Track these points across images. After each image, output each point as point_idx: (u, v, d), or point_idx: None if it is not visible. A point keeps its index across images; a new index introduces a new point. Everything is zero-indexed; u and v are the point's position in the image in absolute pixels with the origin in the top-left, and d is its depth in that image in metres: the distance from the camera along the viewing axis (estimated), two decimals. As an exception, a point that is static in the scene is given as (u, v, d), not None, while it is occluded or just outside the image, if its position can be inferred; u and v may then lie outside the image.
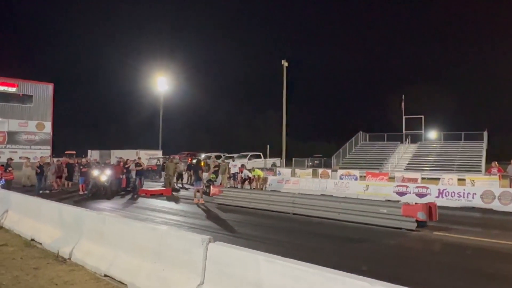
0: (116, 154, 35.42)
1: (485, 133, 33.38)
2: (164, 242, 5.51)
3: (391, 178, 21.69)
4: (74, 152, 41.42)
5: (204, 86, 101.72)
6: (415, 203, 11.33)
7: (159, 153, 40.95)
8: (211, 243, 4.81)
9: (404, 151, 35.22)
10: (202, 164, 20.04)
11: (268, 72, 71.65)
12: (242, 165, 22.43)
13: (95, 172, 18.76)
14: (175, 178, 23.77)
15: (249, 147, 42.83)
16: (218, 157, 30.34)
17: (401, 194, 17.22)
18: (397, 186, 18.05)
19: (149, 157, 36.76)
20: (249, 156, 34.29)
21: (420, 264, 7.39)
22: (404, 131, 37.42)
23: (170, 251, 5.35)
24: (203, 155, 35.86)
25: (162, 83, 45.60)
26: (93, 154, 40.50)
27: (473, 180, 18.52)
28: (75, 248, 7.11)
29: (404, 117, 37.43)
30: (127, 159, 22.47)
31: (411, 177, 20.99)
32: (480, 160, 30.02)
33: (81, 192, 19.43)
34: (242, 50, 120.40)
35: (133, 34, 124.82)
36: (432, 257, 8.03)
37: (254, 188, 20.07)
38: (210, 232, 9.84)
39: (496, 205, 14.70)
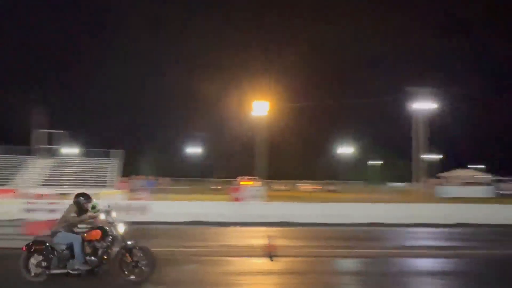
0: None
1: (119, 152, 35.80)
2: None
3: (22, 195, 20.61)
4: None
5: None
6: (48, 220, 10.81)
7: None
8: None
9: (40, 166, 33.23)
10: None
11: None
12: None
13: None
14: None
15: None
16: None
17: (32, 211, 16.51)
18: (28, 203, 17.42)
19: None
20: None
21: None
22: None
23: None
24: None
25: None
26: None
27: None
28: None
29: (37, 131, 35.50)
30: None
31: (45, 193, 20.59)
32: (113, 176, 32.33)
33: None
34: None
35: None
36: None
37: None
38: None
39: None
